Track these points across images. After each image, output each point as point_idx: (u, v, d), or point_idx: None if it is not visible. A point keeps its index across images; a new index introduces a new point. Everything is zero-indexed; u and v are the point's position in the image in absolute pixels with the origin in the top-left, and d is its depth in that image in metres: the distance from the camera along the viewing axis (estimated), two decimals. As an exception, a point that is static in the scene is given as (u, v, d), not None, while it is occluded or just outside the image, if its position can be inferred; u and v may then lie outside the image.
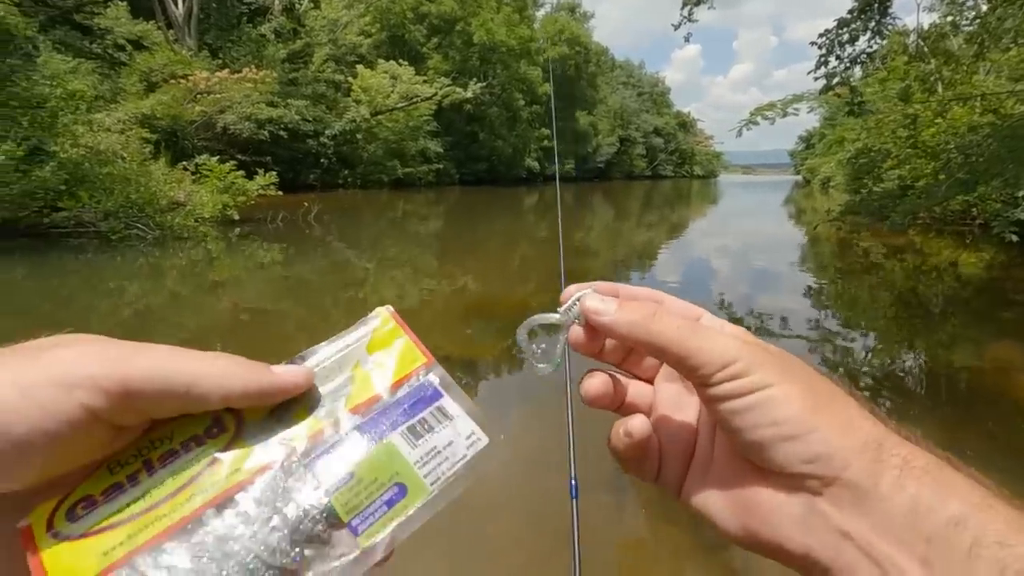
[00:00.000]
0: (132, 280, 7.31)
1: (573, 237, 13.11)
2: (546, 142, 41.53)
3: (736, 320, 5.70)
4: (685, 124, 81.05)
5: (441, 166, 31.07)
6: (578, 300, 0.36)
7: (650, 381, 0.41)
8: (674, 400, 0.40)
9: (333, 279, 7.94)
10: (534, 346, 0.37)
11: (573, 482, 0.65)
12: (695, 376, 0.33)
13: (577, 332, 0.37)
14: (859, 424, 0.30)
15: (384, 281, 7.76)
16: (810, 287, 7.83)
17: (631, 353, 0.41)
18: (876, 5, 6.84)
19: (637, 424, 0.36)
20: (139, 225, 9.52)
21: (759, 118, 7.02)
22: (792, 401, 0.31)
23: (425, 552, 2.25)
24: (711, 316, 0.39)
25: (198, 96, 16.93)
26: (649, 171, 67.48)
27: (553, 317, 0.37)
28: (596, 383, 0.38)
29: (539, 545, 2.30)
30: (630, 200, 30.51)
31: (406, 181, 28.37)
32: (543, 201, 25.01)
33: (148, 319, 5.53)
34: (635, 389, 0.41)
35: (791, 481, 0.30)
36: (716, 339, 0.33)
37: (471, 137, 35.56)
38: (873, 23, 7.14)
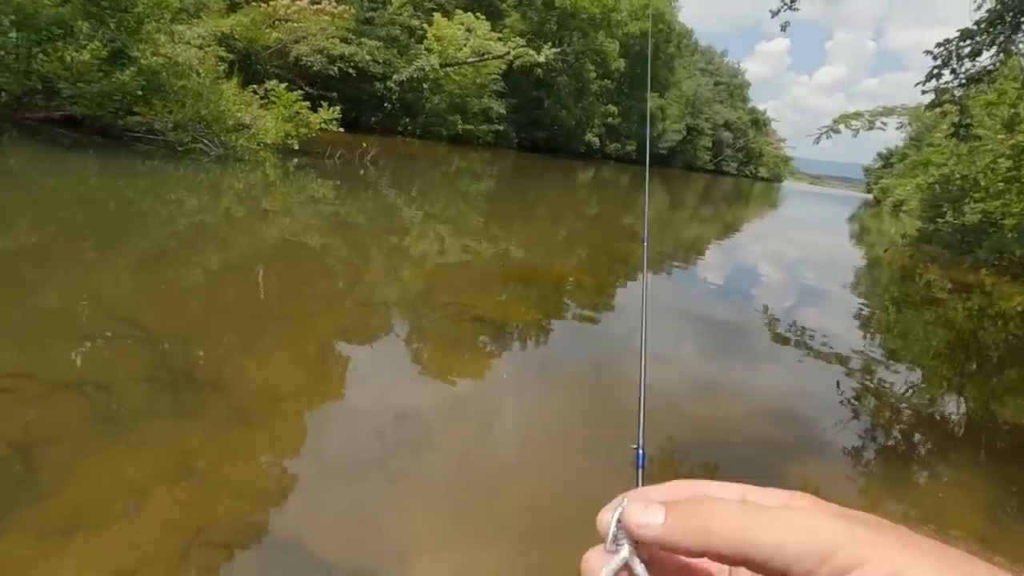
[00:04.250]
0: (192, 193, 7.58)
1: (621, 220, 12.87)
2: (610, 119, 40.41)
3: (777, 336, 5.52)
4: (758, 122, 77.18)
5: (501, 128, 30.70)
6: (619, 520, 0.30)
7: None
8: None
9: (380, 223, 8.03)
10: None
11: (640, 451, 0.59)
12: None
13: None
14: None
15: (428, 233, 7.81)
16: (860, 311, 7.48)
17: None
18: (1009, 18, 6.07)
19: None
20: (204, 140, 9.80)
21: (842, 126, 6.63)
22: None
23: (469, 542, 2.31)
24: (759, 490, 0.32)
25: (276, 22, 17.10)
26: (711, 165, 65.10)
27: (614, 562, 0.30)
28: None
29: (574, 522, 2.32)
30: (687, 191, 29.61)
31: (464, 137, 28.21)
32: (598, 178, 24.54)
33: (201, 234, 5.74)
34: None
35: None
36: (798, 524, 0.26)
37: (536, 103, 34.87)
38: (1002, 39, 6.39)
